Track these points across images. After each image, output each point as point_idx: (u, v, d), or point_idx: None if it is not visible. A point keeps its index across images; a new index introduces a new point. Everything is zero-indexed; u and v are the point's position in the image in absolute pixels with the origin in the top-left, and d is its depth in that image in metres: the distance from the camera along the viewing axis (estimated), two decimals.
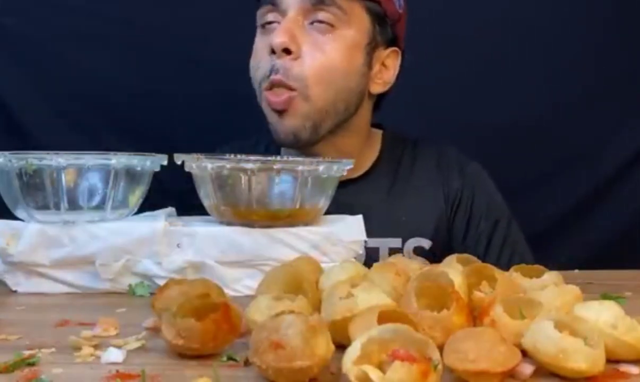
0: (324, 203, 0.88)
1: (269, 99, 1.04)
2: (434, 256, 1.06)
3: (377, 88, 1.12)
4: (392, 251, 1.08)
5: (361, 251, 0.89)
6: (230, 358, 0.57)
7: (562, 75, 1.52)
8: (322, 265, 0.78)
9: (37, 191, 0.80)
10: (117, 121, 1.50)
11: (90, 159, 0.82)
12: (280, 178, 0.84)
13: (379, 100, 1.16)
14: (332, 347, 0.52)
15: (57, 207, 0.81)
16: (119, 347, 0.59)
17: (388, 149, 1.17)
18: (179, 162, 0.85)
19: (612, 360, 0.56)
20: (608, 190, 1.55)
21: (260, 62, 1.06)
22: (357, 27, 1.06)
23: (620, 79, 1.53)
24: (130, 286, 0.82)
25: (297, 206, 0.85)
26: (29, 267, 0.82)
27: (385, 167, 1.15)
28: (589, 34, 1.52)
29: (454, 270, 0.67)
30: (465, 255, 0.77)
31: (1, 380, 0.53)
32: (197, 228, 0.84)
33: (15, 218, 0.84)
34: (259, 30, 1.09)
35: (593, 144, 1.54)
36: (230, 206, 0.84)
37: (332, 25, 1.03)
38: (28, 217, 0.83)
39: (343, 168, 0.88)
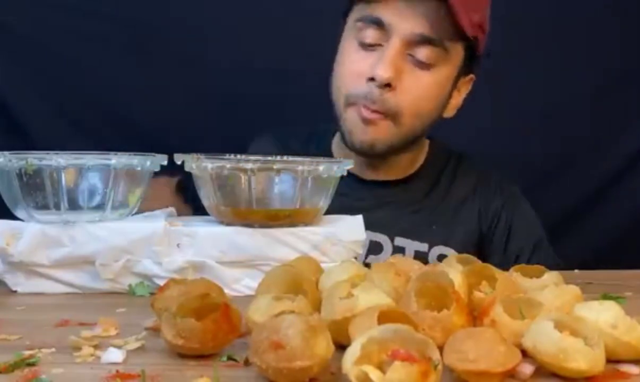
0: (324, 203, 0.88)
1: (361, 111, 1.05)
2: None
3: (449, 113, 1.15)
4: (418, 254, 1.10)
5: (361, 251, 0.89)
6: (230, 358, 0.57)
7: (562, 76, 1.52)
8: (322, 265, 0.78)
9: (37, 191, 0.80)
10: (117, 121, 1.49)
11: (90, 159, 0.82)
12: (280, 178, 0.84)
13: None
14: (332, 347, 0.52)
15: (57, 207, 0.81)
16: (119, 347, 0.59)
17: (433, 159, 1.20)
18: (179, 162, 0.85)
19: (612, 360, 0.56)
20: (608, 190, 1.55)
21: (354, 80, 1.06)
22: (453, 63, 1.07)
23: (621, 80, 1.53)
24: (130, 286, 0.82)
25: (297, 206, 0.85)
26: (29, 267, 0.81)
27: (427, 174, 1.18)
28: (591, 35, 1.51)
29: (454, 270, 0.67)
30: (465, 255, 0.77)
31: (1, 380, 0.53)
32: (197, 228, 0.84)
33: (15, 218, 0.84)
34: (356, 44, 1.07)
35: (594, 143, 1.54)
36: (230, 205, 0.84)
37: (432, 64, 1.04)
38: (28, 217, 0.83)
39: (343, 168, 0.88)
